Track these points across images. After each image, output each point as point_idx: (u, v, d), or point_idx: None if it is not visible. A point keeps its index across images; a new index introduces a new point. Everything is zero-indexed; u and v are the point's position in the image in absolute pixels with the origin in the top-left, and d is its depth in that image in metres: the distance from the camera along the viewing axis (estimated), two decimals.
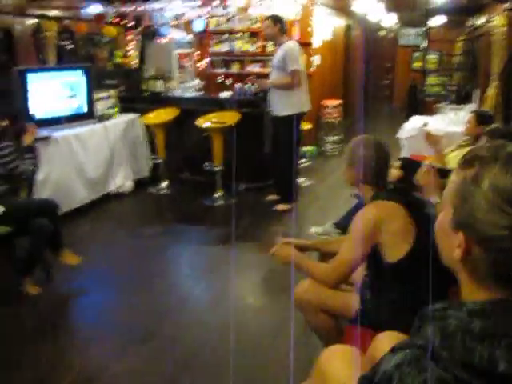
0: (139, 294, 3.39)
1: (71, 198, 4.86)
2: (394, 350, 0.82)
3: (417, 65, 12.17)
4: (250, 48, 7.38)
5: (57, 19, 6.10)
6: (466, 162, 0.86)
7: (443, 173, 3.62)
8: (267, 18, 5.07)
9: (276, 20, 4.95)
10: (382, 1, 8.04)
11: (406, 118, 6.78)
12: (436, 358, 0.76)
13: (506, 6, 5.40)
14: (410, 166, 4.18)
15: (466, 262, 0.84)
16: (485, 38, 7.12)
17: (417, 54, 12.40)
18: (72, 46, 6.52)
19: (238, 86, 5.78)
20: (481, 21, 7.74)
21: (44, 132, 4.58)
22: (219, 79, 7.55)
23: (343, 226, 3.88)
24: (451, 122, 5.60)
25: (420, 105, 9.23)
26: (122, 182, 5.61)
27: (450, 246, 0.86)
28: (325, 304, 2.15)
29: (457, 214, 0.84)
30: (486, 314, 0.79)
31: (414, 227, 1.89)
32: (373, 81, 12.33)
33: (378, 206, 1.95)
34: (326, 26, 7.88)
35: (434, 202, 2.47)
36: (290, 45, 4.92)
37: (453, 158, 4.08)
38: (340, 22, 9.15)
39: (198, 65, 7.58)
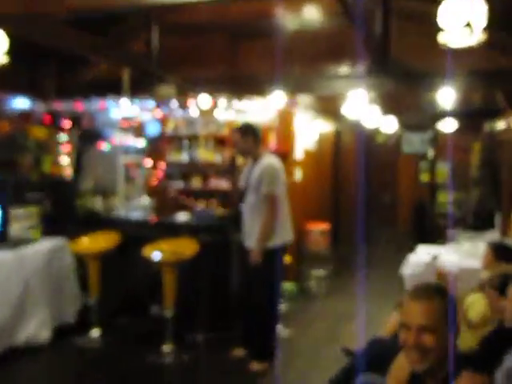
0: None
1: None
2: None
3: (424, 178, 12.69)
4: (216, 158, 7.63)
5: None
6: None
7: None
8: (235, 130, 5.25)
9: (246, 131, 5.12)
10: (377, 103, 8.52)
11: (412, 246, 6.89)
12: None
13: None
14: None
15: None
16: (506, 148, 7.50)
17: (424, 165, 12.96)
18: None
19: (199, 207, 5.85)
20: (499, 126, 8.20)
21: None
22: (176, 197, 7.72)
23: None
24: (468, 254, 5.68)
25: (429, 229, 9.45)
26: (36, 330, 5.40)
27: None
28: None
29: None
30: None
31: None
32: (370, 199, 12.69)
33: None
34: (309, 133, 8.25)
35: None
36: (270, 162, 5.06)
37: (472, 305, 4.07)
38: (327, 128, 9.61)
39: (150, 178, 7.79)
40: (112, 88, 6.70)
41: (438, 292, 2.24)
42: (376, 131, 12.91)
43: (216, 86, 6.86)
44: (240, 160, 6.80)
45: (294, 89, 7.03)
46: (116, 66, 6.80)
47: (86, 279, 5.76)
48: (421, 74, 6.46)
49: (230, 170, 5.37)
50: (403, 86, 6.85)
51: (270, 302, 5.06)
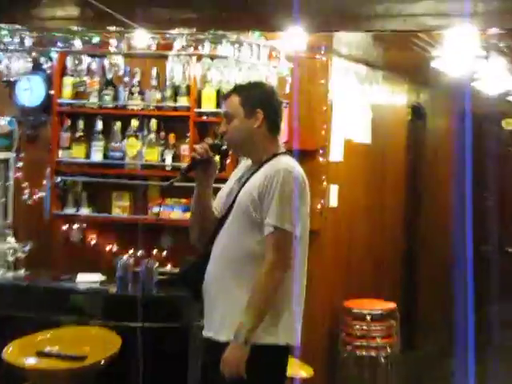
0: None
1: None
2: None
3: None
4: (163, 158, 7.56)
5: None
6: None
7: None
8: (231, 91, 5.18)
9: (255, 102, 4.96)
10: (503, 52, 8.66)
11: None
12: None
13: None
14: None
15: None
16: None
17: None
18: None
19: (124, 258, 5.97)
20: None
21: None
22: (76, 236, 7.68)
23: None
24: None
25: None
26: None
27: None
28: None
29: None
30: None
31: None
32: (488, 248, 12.76)
33: None
34: (357, 110, 8.35)
35: None
36: (290, 166, 4.89)
37: None
38: (395, 100, 9.76)
39: (22, 197, 7.79)
40: None
41: None
42: (501, 108, 13.01)
43: (172, 12, 6.92)
44: (217, 160, 6.73)
45: (328, 21, 7.01)
46: None
47: None
48: None
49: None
50: None
51: None
